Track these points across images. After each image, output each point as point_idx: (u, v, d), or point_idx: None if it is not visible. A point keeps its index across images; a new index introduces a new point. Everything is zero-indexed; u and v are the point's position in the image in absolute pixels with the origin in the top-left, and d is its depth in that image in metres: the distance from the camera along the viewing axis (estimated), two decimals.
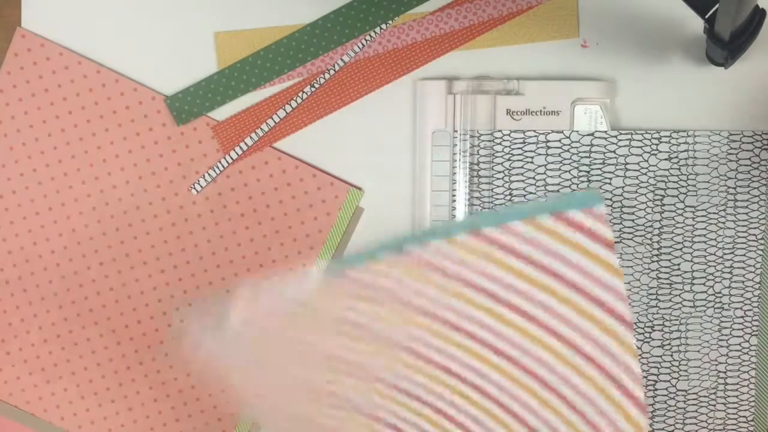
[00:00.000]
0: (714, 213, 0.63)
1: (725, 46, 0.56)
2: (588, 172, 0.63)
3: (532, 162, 0.63)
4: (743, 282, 0.63)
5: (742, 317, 0.63)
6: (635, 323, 0.63)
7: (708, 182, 0.63)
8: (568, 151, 0.63)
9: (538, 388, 0.54)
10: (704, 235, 0.63)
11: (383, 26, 0.63)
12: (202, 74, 0.64)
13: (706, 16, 0.55)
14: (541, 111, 0.63)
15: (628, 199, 0.63)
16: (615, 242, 0.61)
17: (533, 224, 0.51)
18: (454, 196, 0.63)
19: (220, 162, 0.64)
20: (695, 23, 0.61)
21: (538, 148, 0.63)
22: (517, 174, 0.63)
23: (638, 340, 0.64)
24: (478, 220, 0.53)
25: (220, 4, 0.64)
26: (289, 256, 0.65)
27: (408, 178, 0.64)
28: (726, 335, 0.64)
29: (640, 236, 0.63)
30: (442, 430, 0.59)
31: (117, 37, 0.64)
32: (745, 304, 0.63)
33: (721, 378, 0.64)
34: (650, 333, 0.64)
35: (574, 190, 0.63)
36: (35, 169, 0.65)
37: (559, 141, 0.62)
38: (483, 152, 0.63)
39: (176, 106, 0.64)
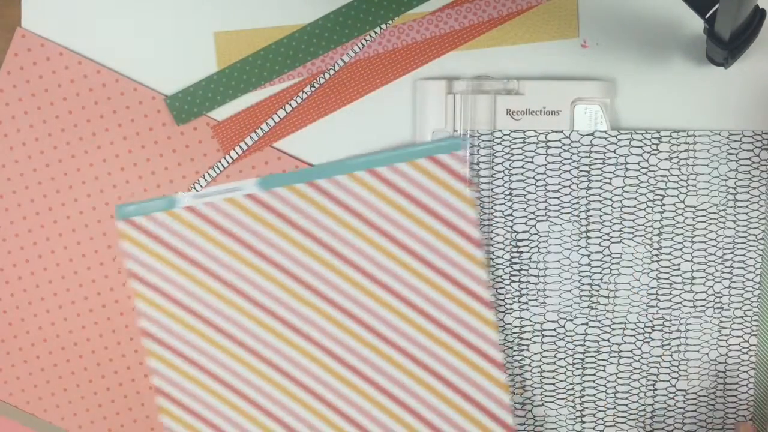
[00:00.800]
0: (714, 213, 0.63)
1: (725, 46, 0.56)
2: (588, 171, 0.63)
3: (532, 162, 0.63)
4: (743, 282, 0.63)
5: (742, 317, 0.63)
6: (636, 323, 0.63)
7: (708, 182, 0.63)
8: (568, 151, 0.63)
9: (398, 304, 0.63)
10: (704, 235, 0.63)
11: (383, 26, 0.63)
12: (202, 74, 0.64)
13: (706, 16, 0.55)
14: (541, 111, 0.63)
15: (628, 198, 0.63)
16: (615, 242, 0.62)
17: (414, 165, 0.62)
18: None
19: (220, 162, 0.64)
20: (695, 23, 0.61)
21: (538, 148, 0.63)
22: (517, 174, 0.63)
23: (638, 340, 0.64)
24: (372, 159, 0.62)
25: (220, 4, 0.64)
26: None
27: None
28: (726, 335, 0.64)
29: (641, 236, 0.63)
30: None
31: (117, 37, 0.64)
32: (745, 304, 0.63)
33: (721, 378, 0.64)
34: (650, 333, 0.64)
35: (573, 190, 0.63)
36: (35, 169, 0.65)
37: (559, 141, 0.62)
38: (483, 152, 0.63)
39: (176, 106, 0.64)
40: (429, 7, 0.63)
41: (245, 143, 0.64)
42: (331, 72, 0.64)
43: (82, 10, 0.64)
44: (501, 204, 0.63)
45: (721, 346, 0.64)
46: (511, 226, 0.63)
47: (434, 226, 0.62)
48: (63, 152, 0.64)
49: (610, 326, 0.64)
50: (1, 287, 0.66)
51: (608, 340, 0.64)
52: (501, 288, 0.64)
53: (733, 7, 0.51)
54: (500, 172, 0.63)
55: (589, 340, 0.64)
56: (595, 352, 0.64)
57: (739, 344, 0.64)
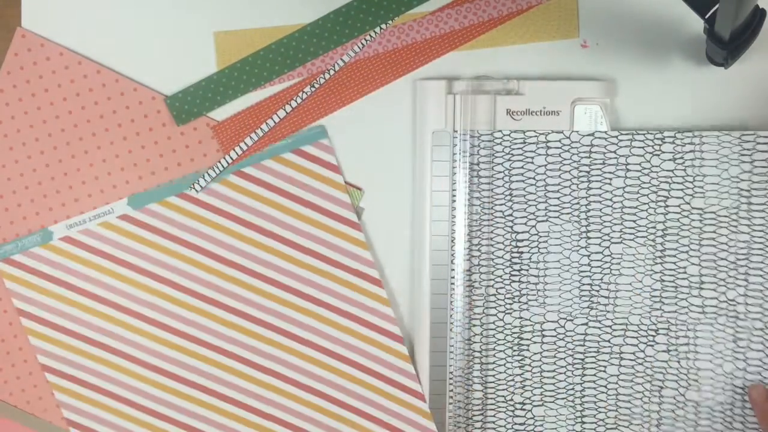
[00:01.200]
0: (724, 216, 0.62)
1: (725, 46, 0.56)
2: (588, 172, 0.63)
3: (532, 162, 0.63)
4: (761, 291, 0.62)
5: (762, 329, 0.62)
6: (639, 325, 0.63)
7: (717, 184, 0.62)
8: (568, 151, 0.62)
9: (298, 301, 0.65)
10: (713, 239, 0.62)
11: (383, 26, 0.63)
12: (202, 74, 0.64)
13: (706, 16, 0.55)
14: (541, 111, 0.63)
15: (629, 199, 0.63)
16: (616, 243, 0.62)
17: (280, 160, 0.63)
18: (454, 196, 0.63)
19: (220, 162, 0.64)
20: (695, 23, 0.61)
21: (538, 148, 0.63)
22: (517, 174, 0.63)
23: (641, 342, 0.63)
24: (240, 163, 0.64)
25: (220, 4, 0.64)
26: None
27: (408, 178, 0.64)
28: (743, 347, 0.62)
29: (642, 237, 0.63)
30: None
31: (117, 37, 0.64)
32: (766, 316, 0.62)
33: (738, 393, 0.63)
34: (654, 336, 0.63)
35: (573, 190, 0.63)
36: (35, 169, 0.65)
37: (559, 141, 0.62)
38: (483, 152, 0.63)
39: (176, 106, 0.64)
40: (429, 7, 0.63)
41: (245, 143, 0.64)
42: (331, 72, 0.64)
43: (82, 10, 0.64)
44: (501, 204, 0.63)
45: (738, 359, 0.62)
46: (511, 226, 0.63)
47: (310, 215, 0.64)
48: (63, 152, 0.64)
49: (611, 327, 0.63)
50: (2, 286, 0.66)
51: (609, 341, 0.63)
52: (501, 288, 0.63)
53: (733, 7, 0.51)
54: (500, 172, 0.63)
55: (589, 341, 0.63)
56: (595, 352, 0.63)
57: (759, 359, 0.62)
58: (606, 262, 0.63)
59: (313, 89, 0.64)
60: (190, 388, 0.65)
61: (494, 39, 0.63)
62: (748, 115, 0.63)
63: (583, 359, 0.64)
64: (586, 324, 0.63)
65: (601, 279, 0.63)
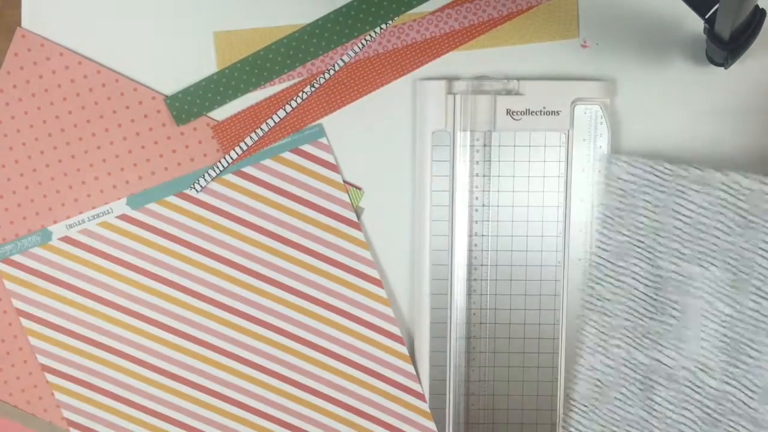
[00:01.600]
0: None
1: (725, 46, 0.56)
2: (746, 218, 0.58)
3: (686, 198, 0.59)
4: None
5: None
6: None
7: None
8: (726, 191, 0.59)
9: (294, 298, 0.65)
10: None
11: (383, 26, 0.63)
12: (202, 74, 0.64)
13: (706, 16, 0.55)
14: (541, 111, 0.62)
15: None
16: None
17: (279, 159, 0.63)
18: (453, 196, 0.63)
19: (220, 162, 0.64)
20: (695, 23, 0.61)
21: (693, 183, 0.59)
22: (667, 208, 0.59)
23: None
24: (239, 162, 0.63)
25: (220, 4, 0.64)
26: None
27: (408, 178, 0.64)
28: None
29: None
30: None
31: (117, 37, 0.64)
32: None
33: None
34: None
35: (728, 235, 0.58)
36: (35, 169, 0.65)
37: (721, 182, 0.58)
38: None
39: (176, 106, 0.64)
40: (429, 7, 0.63)
41: (245, 143, 0.64)
42: (331, 72, 0.64)
43: (82, 10, 0.64)
44: (645, 236, 0.60)
45: None
46: (655, 261, 0.60)
47: (310, 215, 0.64)
48: (63, 152, 0.64)
49: (752, 389, 0.59)
50: (1, 287, 0.66)
51: (747, 404, 0.59)
52: (636, 323, 0.61)
53: (733, 7, 0.51)
54: (649, 203, 0.60)
55: (724, 399, 0.59)
56: (729, 413, 0.59)
57: None
58: (757, 320, 0.58)
59: (313, 89, 0.64)
60: (190, 388, 0.65)
61: (494, 39, 0.63)
62: (748, 116, 0.63)
63: (714, 417, 0.60)
64: (725, 381, 0.59)
65: (750, 337, 0.58)
